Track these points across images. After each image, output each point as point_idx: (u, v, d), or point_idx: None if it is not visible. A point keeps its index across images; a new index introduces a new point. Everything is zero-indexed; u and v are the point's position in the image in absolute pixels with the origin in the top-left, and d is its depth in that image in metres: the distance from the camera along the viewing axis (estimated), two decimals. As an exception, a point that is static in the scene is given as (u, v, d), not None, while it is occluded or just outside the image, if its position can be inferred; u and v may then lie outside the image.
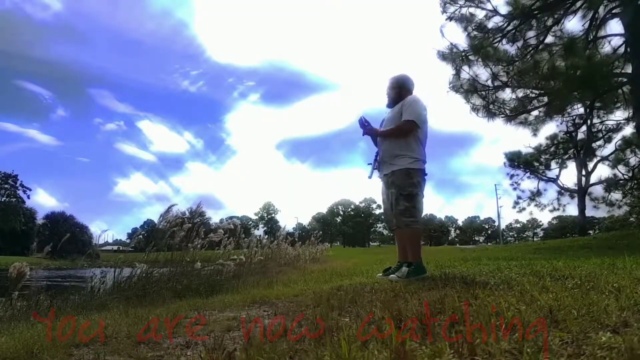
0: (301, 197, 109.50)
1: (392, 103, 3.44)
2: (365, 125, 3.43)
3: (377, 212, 75.31)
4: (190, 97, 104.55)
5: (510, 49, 10.99)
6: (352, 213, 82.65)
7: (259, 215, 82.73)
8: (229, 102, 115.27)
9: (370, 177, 3.38)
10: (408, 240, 3.19)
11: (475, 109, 11.62)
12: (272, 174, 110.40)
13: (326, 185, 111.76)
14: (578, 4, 10.29)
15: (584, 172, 22.86)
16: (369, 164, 3.44)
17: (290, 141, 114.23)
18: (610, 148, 20.29)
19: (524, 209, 25.80)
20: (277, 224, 72.26)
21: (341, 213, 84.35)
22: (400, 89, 3.41)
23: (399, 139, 3.25)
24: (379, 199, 3.56)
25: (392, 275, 3.11)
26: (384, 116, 3.53)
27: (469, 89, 11.39)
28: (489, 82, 11.34)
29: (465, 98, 11.59)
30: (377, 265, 5.94)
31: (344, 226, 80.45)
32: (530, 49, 10.83)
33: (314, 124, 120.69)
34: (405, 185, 3.16)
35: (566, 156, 23.69)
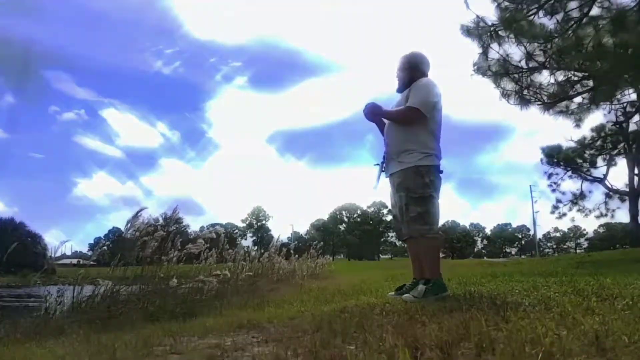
0: (298, 201, 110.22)
1: (402, 87, 3.44)
2: (369, 106, 3.41)
3: (388, 218, 75.39)
4: (164, 80, 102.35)
5: (549, 23, 10.98)
6: (358, 220, 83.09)
7: (247, 222, 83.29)
8: (211, 86, 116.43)
9: (375, 187, 3.37)
10: (424, 252, 3.19)
11: (506, 94, 11.61)
12: (263, 173, 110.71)
13: (328, 186, 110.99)
14: (630, -31, 10.29)
15: (636, 171, 22.90)
16: (376, 164, 3.42)
17: (284, 133, 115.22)
18: (668, 141, 20.36)
19: (564, 214, 25.85)
20: (268, 233, 73.05)
21: (345, 220, 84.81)
22: (412, 71, 3.40)
23: (407, 132, 3.25)
24: (390, 202, 3.55)
25: (406, 295, 3.11)
26: (394, 103, 3.51)
27: (499, 70, 11.38)
28: (523, 63, 11.32)
29: (494, 82, 11.59)
30: (389, 282, 6.01)
31: (349, 235, 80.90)
32: (572, 23, 10.83)
33: (313, 113, 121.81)
34: (415, 186, 3.15)
35: (615, 151, 23.72)
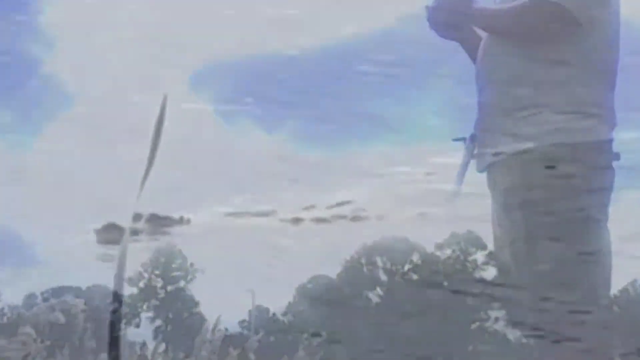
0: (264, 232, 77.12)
1: None
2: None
3: (490, 274, 24.11)
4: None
5: None
6: (414, 278, 37.76)
7: (142, 284, 34.29)
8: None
9: (456, 195, 2.11)
10: None
11: None
12: (180, 166, 42.57)
13: (332, 192, 71.41)
14: None
15: None
16: (458, 140, 2.17)
17: (231, 68, 48.73)
18: None
19: None
20: (193, 312, 35.82)
21: (383, 278, 40.92)
22: None
23: (531, 59, 2.02)
24: (489, 233, 2.06)
25: None
26: None
27: None
28: None
29: None
30: None
31: (391, 313, 31.17)
32: None
33: (297, 19, 53.34)
34: (551, 194, 1.88)
35: None
